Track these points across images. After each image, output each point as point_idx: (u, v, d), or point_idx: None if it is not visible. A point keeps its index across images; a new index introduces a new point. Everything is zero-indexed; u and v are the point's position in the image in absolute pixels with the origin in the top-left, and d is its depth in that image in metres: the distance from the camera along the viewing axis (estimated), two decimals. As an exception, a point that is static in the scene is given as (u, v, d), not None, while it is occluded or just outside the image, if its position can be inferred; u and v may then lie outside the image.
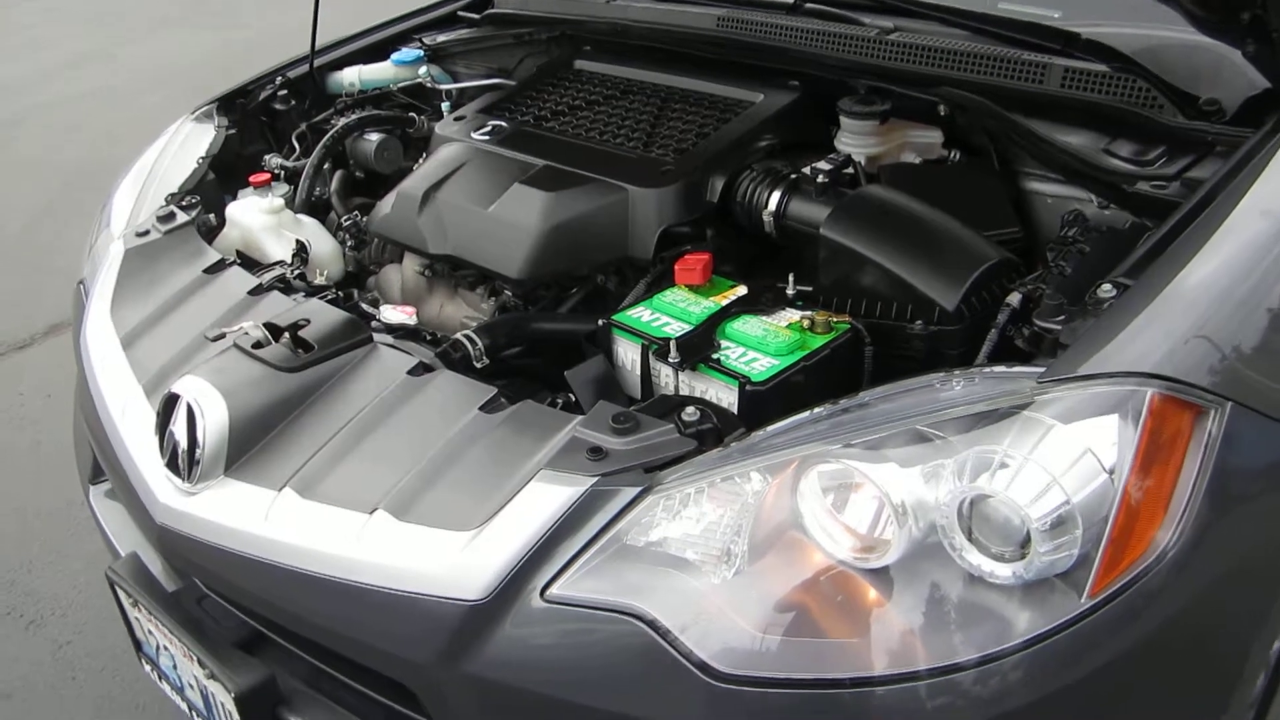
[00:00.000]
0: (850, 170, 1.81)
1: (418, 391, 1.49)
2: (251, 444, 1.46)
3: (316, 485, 1.39)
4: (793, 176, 1.78)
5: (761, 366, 1.47)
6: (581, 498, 1.23)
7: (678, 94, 2.08)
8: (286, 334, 1.57)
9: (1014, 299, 1.49)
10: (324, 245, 2.04)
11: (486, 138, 2.02)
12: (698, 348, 1.51)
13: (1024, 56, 1.80)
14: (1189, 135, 1.66)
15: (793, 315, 1.60)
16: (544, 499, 1.25)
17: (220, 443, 1.45)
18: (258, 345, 1.55)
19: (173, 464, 1.48)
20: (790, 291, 1.65)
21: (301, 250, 1.95)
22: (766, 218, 1.76)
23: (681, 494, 1.23)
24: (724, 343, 1.54)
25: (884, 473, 1.17)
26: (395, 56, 2.52)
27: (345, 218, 2.15)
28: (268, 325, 1.58)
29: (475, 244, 1.83)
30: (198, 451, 1.45)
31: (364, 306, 1.79)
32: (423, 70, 2.49)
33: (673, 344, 1.50)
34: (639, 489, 1.23)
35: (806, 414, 1.27)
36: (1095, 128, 1.75)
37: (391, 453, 1.41)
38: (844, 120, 1.92)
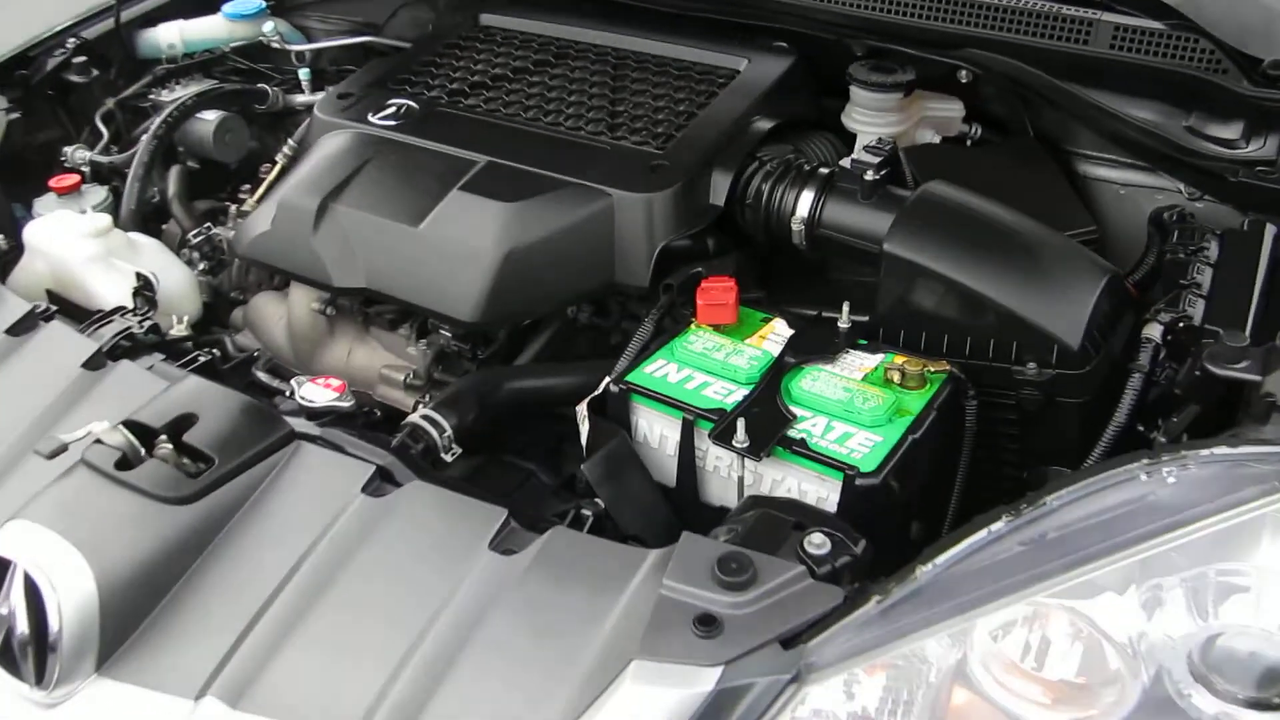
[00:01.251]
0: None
1: (384, 520, 1.02)
2: (136, 623, 0.98)
3: (253, 687, 0.93)
4: (824, 172, 1.38)
5: (861, 446, 1.09)
6: (706, 702, 0.83)
7: (631, 58, 1.63)
8: (164, 440, 1.07)
9: (1153, 331, 1.19)
10: (174, 276, 1.49)
11: (392, 123, 1.51)
12: (770, 425, 1.11)
13: (1065, 11, 1.48)
14: (1263, 106, 1.39)
15: (865, 361, 1.22)
16: (647, 707, 0.83)
17: (87, 627, 0.96)
18: (124, 464, 1.04)
19: (8, 659, 0.97)
20: (844, 324, 1.26)
21: (146, 287, 1.40)
22: (796, 226, 1.36)
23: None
24: (796, 410, 1.14)
25: (1102, 608, 0.89)
26: (227, 8, 1.98)
27: (194, 232, 1.61)
28: (131, 425, 1.07)
29: (403, 276, 1.36)
30: (51, 638, 0.95)
31: (261, 376, 1.29)
32: (267, 26, 1.94)
33: (740, 423, 1.09)
34: (785, 678, 0.84)
35: (983, 534, 0.91)
36: (1159, 98, 1.46)
37: (366, 627, 0.95)
38: (857, 93, 1.54)
